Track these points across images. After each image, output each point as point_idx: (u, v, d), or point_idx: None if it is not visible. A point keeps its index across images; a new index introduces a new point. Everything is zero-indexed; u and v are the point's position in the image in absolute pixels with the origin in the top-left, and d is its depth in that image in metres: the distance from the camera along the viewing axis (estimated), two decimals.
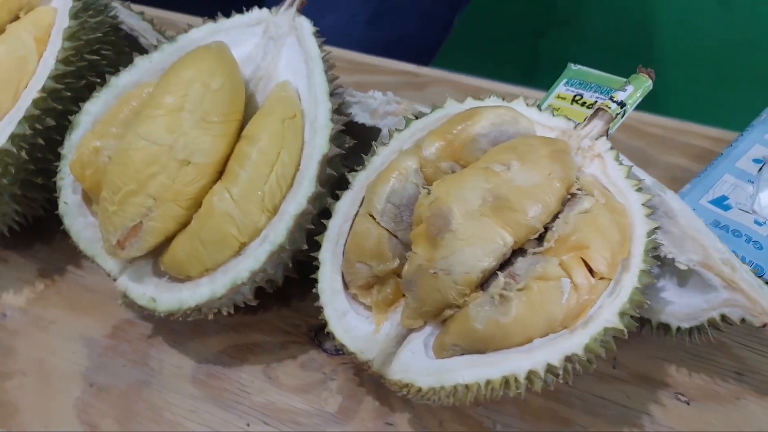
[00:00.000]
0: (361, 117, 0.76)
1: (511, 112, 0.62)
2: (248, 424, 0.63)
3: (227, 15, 0.72)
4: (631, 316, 0.55)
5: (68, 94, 0.71)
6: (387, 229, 0.60)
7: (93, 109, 0.68)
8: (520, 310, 0.54)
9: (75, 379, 0.67)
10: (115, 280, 0.66)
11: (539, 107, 0.65)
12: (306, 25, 0.70)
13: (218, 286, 0.62)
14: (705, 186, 0.80)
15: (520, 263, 0.57)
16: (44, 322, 0.71)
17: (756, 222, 0.74)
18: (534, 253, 0.57)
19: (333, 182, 0.66)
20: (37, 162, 0.71)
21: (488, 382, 0.54)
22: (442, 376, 0.56)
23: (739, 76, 1.56)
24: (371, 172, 0.64)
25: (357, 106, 0.77)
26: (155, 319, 0.71)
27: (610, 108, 0.63)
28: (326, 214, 0.64)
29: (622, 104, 0.64)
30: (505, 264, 0.57)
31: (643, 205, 0.59)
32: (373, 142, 0.73)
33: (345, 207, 0.64)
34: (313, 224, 0.64)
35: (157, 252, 0.65)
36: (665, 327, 0.64)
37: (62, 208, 0.67)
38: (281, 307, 0.71)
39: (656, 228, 0.58)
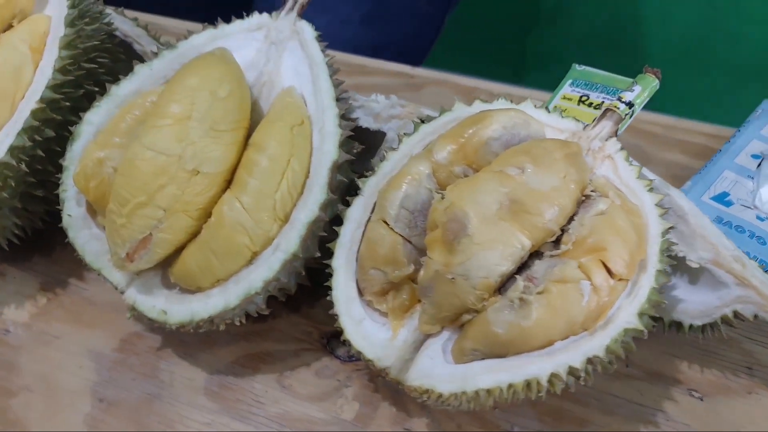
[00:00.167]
0: (365, 121, 0.75)
1: (521, 114, 0.62)
2: None
3: (213, 20, 0.71)
4: (649, 316, 0.56)
5: (67, 104, 0.70)
6: (401, 235, 0.60)
7: (94, 119, 0.67)
8: (540, 313, 0.54)
9: (83, 395, 0.66)
10: (122, 293, 0.64)
11: (547, 109, 0.65)
12: (308, 30, 0.70)
13: (231, 297, 0.61)
14: (706, 183, 0.81)
15: (538, 266, 0.57)
16: (48, 337, 0.70)
17: (758, 218, 0.75)
18: (551, 256, 0.57)
19: (343, 189, 0.66)
20: (38, 174, 0.69)
21: (510, 386, 0.54)
22: (464, 381, 0.56)
23: (723, 71, 1.58)
24: (381, 177, 0.64)
25: (360, 110, 0.77)
26: (163, 331, 0.70)
27: (618, 108, 0.63)
28: (337, 221, 0.64)
29: (630, 104, 0.64)
30: (521, 267, 0.57)
31: (656, 205, 0.59)
32: (385, 148, 0.73)
33: (356, 213, 0.63)
34: (325, 231, 0.64)
35: (165, 263, 0.64)
36: (677, 324, 0.65)
37: (66, 221, 0.66)
38: (291, 314, 0.71)
39: (670, 228, 0.59)
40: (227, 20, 0.71)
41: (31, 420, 0.64)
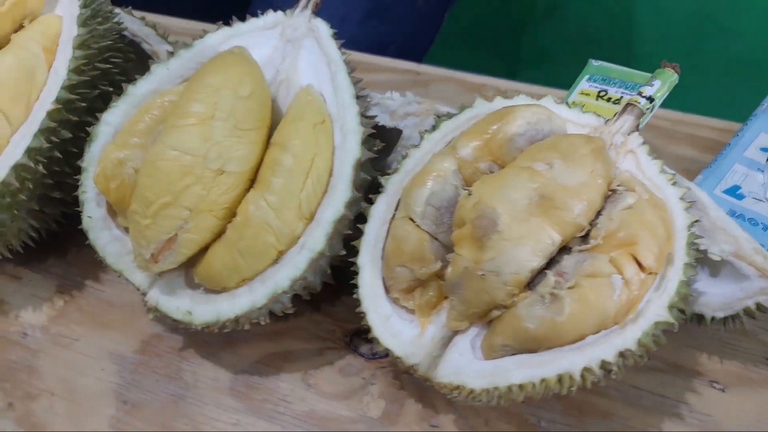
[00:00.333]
0: (381, 118, 0.76)
1: (544, 110, 0.63)
2: None
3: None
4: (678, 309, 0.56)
5: (82, 104, 0.69)
6: (428, 232, 0.60)
7: (112, 119, 0.66)
8: (573, 308, 0.54)
9: (107, 398, 0.65)
10: (144, 294, 0.64)
11: (567, 104, 0.65)
12: (323, 27, 0.70)
13: (258, 296, 0.61)
14: (717, 176, 0.81)
15: (567, 261, 0.57)
16: (67, 340, 0.69)
17: None
18: (580, 251, 0.57)
19: (366, 186, 0.65)
20: (55, 176, 0.68)
21: (543, 381, 0.55)
22: (496, 377, 0.56)
23: (718, 66, 1.60)
24: (405, 175, 0.64)
25: (375, 107, 0.77)
26: (184, 332, 0.69)
27: (639, 103, 0.64)
28: (360, 218, 0.64)
29: (650, 99, 0.64)
30: (550, 263, 0.57)
31: (680, 199, 0.60)
32: (403, 145, 0.72)
33: (380, 211, 0.63)
34: (349, 229, 0.64)
35: (187, 263, 0.63)
36: (699, 317, 0.65)
37: (87, 223, 0.65)
38: (313, 313, 0.71)
39: (696, 221, 0.59)
40: (225, 19, 0.71)
41: (56, 424, 0.63)
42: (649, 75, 0.68)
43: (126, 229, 0.65)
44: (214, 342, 0.69)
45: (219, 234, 0.62)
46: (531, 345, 0.56)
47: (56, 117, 0.67)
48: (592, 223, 0.58)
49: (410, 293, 0.61)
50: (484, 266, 0.56)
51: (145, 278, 0.64)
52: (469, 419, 0.64)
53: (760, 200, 0.77)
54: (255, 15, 0.70)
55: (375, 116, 0.71)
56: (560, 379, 0.55)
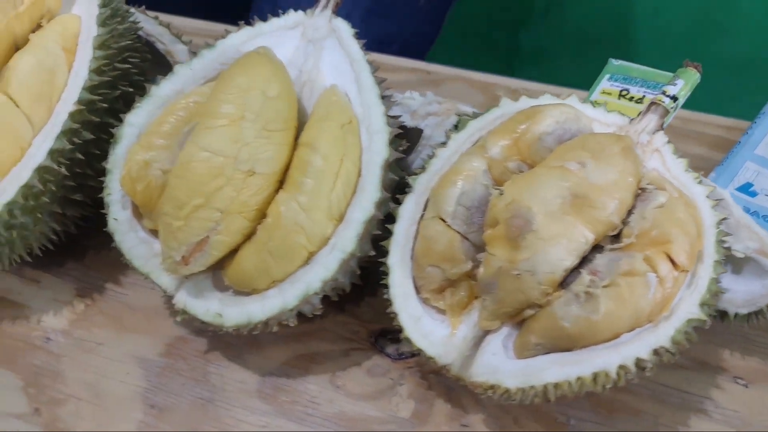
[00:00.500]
0: (402, 118, 0.75)
1: (572, 109, 0.63)
2: None
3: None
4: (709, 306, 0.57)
5: (104, 105, 0.68)
6: (458, 232, 0.60)
7: (136, 120, 0.66)
8: (609, 306, 0.55)
9: (133, 402, 0.65)
10: (171, 297, 0.63)
11: (592, 104, 0.66)
12: (345, 27, 0.69)
13: (289, 298, 0.61)
14: (729, 174, 0.82)
15: (600, 260, 0.57)
16: (90, 344, 0.68)
17: None
18: (612, 249, 0.58)
19: (393, 186, 0.65)
20: (77, 177, 0.67)
21: (579, 379, 0.55)
22: (531, 375, 0.56)
23: (715, 64, 1.61)
24: (432, 174, 0.64)
25: (396, 107, 0.77)
26: (208, 334, 0.69)
27: (663, 102, 0.64)
28: (388, 219, 0.64)
29: (674, 98, 0.65)
30: (581, 261, 0.58)
31: (707, 197, 0.60)
32: (429, 144, 0.73)
33: (409, 211, 0.63)
34: (377, 230, 0.64)
35: (214, 265, 0.63)
36: (722, 313, 0.66)
37: (112, 225, 0.64)
38: (337, 314, 0.70)
39: (723, 219, 0.60)
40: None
41: (83, 429, 0.62)
42: (670, 74, 0.69)
43: (152, 232, 0.65)
44: (238, 344, 0.68)
45: (248, 236, 0.61)
46: (566, 344, 0.56)
47: (78, 118, 0.66)
48: (624, 222, 0.58)
49: (441, 293, 0.61)
50: (519, 266, 0.56)
51: (172, 281, 0.63)
52: (499, 418, 0.64)
53: None
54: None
55: (399, 116, 0.71)
56: (596, 377, 0.55)
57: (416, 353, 0.67)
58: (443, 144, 0.65)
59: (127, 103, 0.70)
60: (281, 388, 0.65)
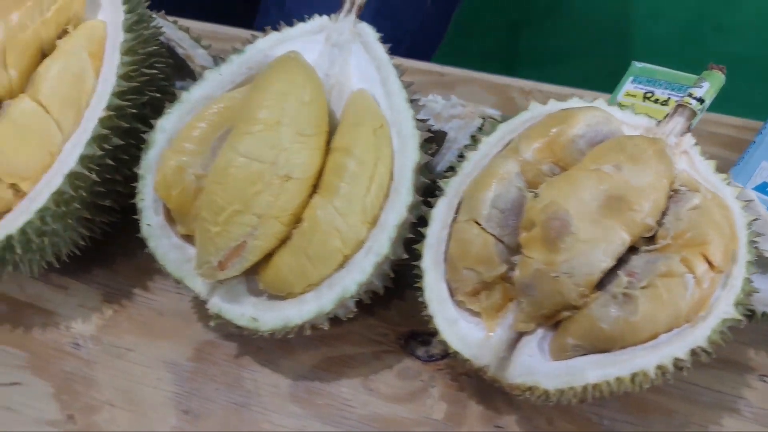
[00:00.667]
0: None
1: (603, 112, 0.63)
2: None
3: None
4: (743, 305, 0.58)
5: (132, 111, 0.68)
6: (493, 235, 0.61)
7: (167, 125, 0.66)
8: (647, 307, 0.55)
9: (167, 408, 0.64)
10: (204, 302, 0.63)
11: (619, 106, 0.66)
12: (369, 32, 0.70)
13: (325, 301, 0.61)
14: (746, 174, 0.83)
15: (635, 261, 0.58)
16: (121, 350, 0.68)
17: None
18: (647, 251, 0.58)
19: (423, 190, 0.66)
20: (106, 183, 0.67)
21: (618, 380, 0.56)
22: (570, 377, 0.57)
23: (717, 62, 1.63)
24: (464, 177, 0.64)
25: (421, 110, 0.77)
26: (238, 339, 0.69)
27: (690, 104, 0.65)
28: (419, 222, 0.64)
29: (701, 100, 0.66)
30: (617, 263, 0.58)
31: (737, 198, 0.61)
32: (459, 147, 0.73)
33: (441, 214, 0.64)
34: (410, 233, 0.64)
35: (248, 270, 0.63)
36: (750, 312, 0.67)
37: (146, 231, 0.64)
38: (365, 316, 0.71)
39: (754, 219, 0.61)
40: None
41: None
42: (693, 77, 0.69)
43: (184, 237, 0.65)
44: (269, 348, 0.68)
45: (282, 240, 0.61)
46: (604, 345, 0.57)
47: (108, 124, 0.66)
48: (659, 223, 0.59)
49: (475, 296, 0.62)
50: (558, 268, 0.56)
51: (205, 286, 0.63)
52: (532, 419, 0.64)
53: None
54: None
55: (428, 119, 0.72)
56: (634, 377, 0.56)
57: (446, 355, 0.68)
58: (473, 147, 0.66)
59: (154, 109, 0.70)
60: (315, 391, 0.66)
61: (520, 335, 0.61)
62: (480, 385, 0.66)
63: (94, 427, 0.63)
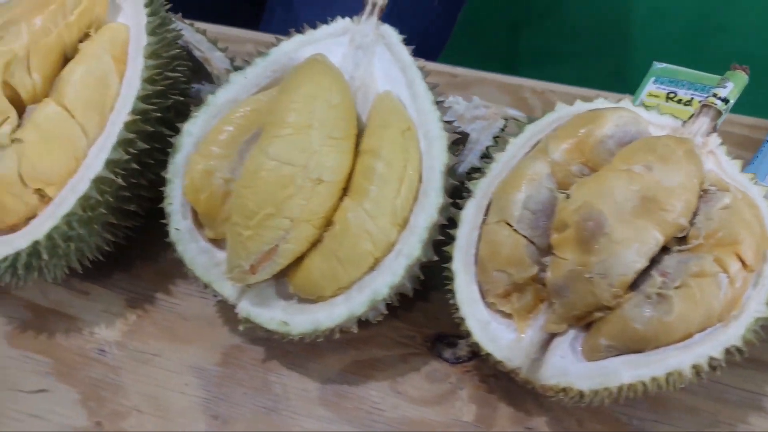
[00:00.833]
0: None
1: (630, 112, 0.64)
2: None
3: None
4: None
5: (157, 114, 0.68)
6: (524, 236, 0.61)
7: (194, 129, 0.65)
8: (681, 307, 0.56)
9: (196, 413, 0.64)
10: (234, 306, 0.63)
11: (644, 106, 0.66)
12: (393, 33, 0.70)
13: (356, 304, 0.61)
14: (761, 173, 0.84)
15: (668, 261, 0.58)
16: (146, 356, 0.68)
17: None
18: (679, 251, 0.58)
19: (452, 191, 0.66)
20: (132, 188, 0.67)
21: (653, 380, 0.56)
22: (605, 377, 0.57)
23: (715, 62, 1.64)
24: (492, 179, 0.64)
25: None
26: (264, 343, 0.69)
27: (715, 104, 0.65)
28: (448, 224, 0.64)
29: (725, 100, 0.66)
30: (650, 263, 0.58)
31: (764, 197, 0.62)
32: (489, 148, 0.73)
33: (470, 216, 0.64)
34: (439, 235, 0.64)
35: (277, 274, 0.62)
36: None
37: (174, 235, 0.64)
38: (391, 319, 0.70)
39: None
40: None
41: None
42: (715, 77, 0.70)
43: (212, 241, 0.64)
44: (295, 352, 0.68)
45: (313, 243, 0.61)
46: (638, 345, 0.57)
47: (133, 128, 0.65)
48: (690, 223, 0.59)
49: (506, 298, 0.62)
50: (592, 269, 0.57)
51: (234, 290, 0.63)
52: (562, 420, 0.64)
53: None
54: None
55: (453, 121, 0.72)
56: (668, 377, 0.56)
57: (473, 357, 0.68)
58: (500, 148, 0.66)
59: (178, 112, 0.70)
60: (343, 395, 0.65)
61: (552, 336, 0.61)
62: (509, 387, 0.66)
63: None
